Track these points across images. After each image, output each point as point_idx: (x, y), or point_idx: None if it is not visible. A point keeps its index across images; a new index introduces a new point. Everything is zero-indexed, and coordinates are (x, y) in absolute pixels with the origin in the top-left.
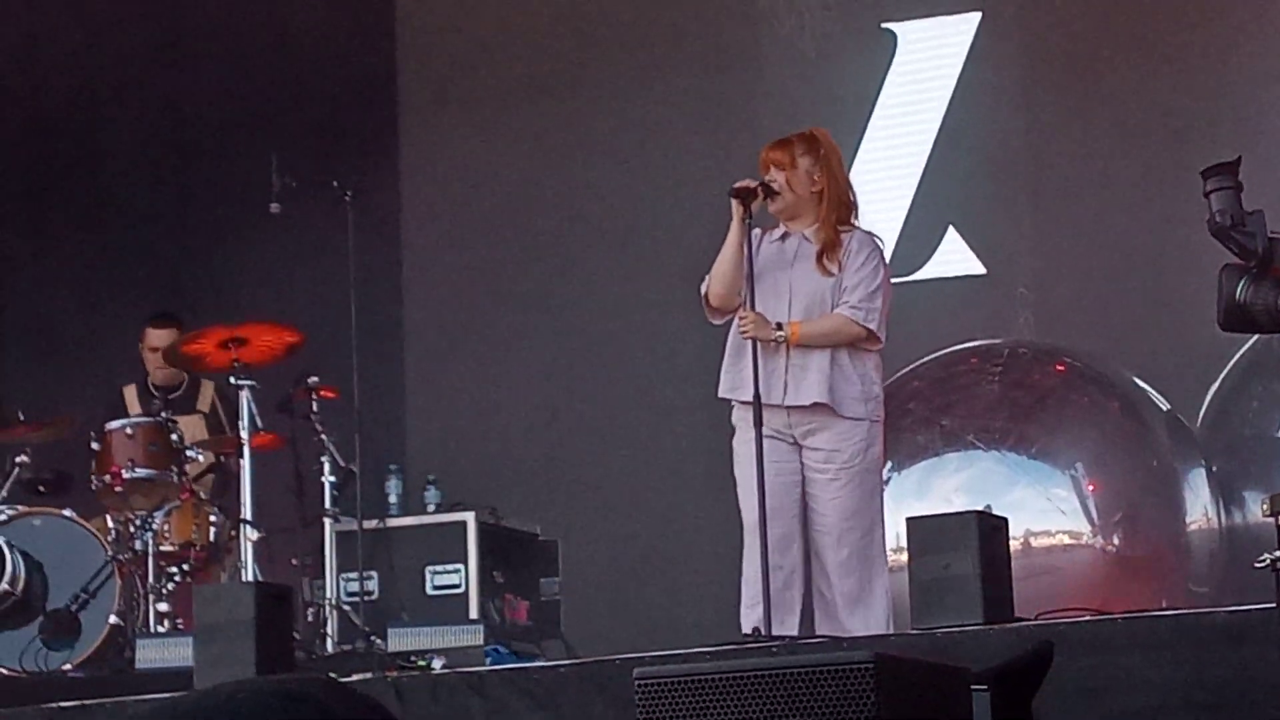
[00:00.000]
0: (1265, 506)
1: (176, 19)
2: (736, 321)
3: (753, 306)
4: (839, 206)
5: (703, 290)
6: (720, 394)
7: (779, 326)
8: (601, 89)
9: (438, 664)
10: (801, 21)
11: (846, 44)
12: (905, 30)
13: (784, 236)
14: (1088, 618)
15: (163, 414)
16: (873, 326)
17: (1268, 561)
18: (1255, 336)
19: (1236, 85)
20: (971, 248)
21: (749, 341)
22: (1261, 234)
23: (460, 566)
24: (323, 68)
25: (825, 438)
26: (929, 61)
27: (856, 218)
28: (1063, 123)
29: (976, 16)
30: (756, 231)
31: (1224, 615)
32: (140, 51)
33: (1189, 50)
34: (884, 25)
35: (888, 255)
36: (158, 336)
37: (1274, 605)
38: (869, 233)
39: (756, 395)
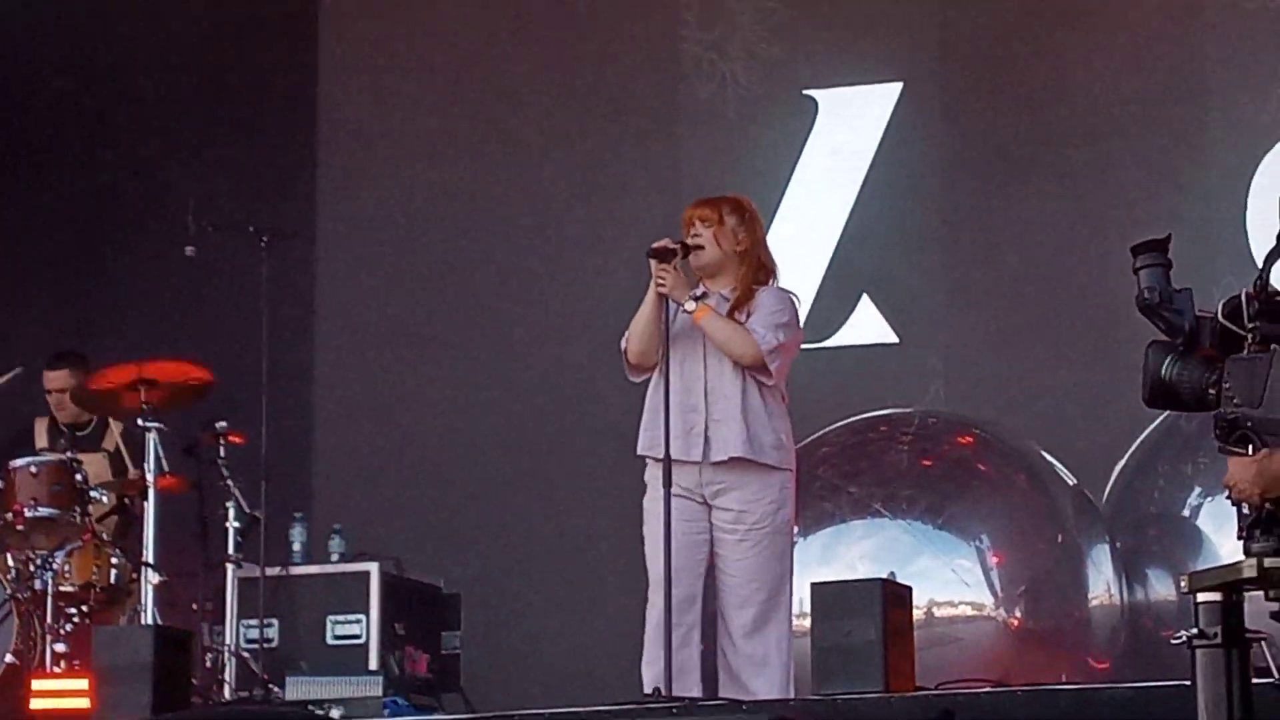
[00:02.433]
0: (1184, 583)
1: (96, 55)
2: (655, 278)
3: (667, 365)
4: (759, 269)
5: (623, 347)
6: (639, 451)
7: (696, 299)
8: (521, 144)
9: (336, 714)
10: (724, 85)
11: (768, 109)
12: (826, 98)
13: (703, 295)
14: (988, 689)
15: (68, 454)
16: (766, 350)
17: (1184, 638)
18: (1164, 415)
19: (1156, 161)
20: (885, 316)
21: (663, 401)
22: (1189, 312)
23: (362, 617)
24: (243, 111)
25: (735, 497)
26: (849, 130)
27: (775, 281)
28: (979, 194)
29: (898, 87)
30: None
31: (1127, 691)
32: (59, 86)
33: (1109, 126)
34: (806, 92)
35: (801, 319)
36: (53, 379)
37: (1187, 682)
38: (784, 289)
39: (667, 454)
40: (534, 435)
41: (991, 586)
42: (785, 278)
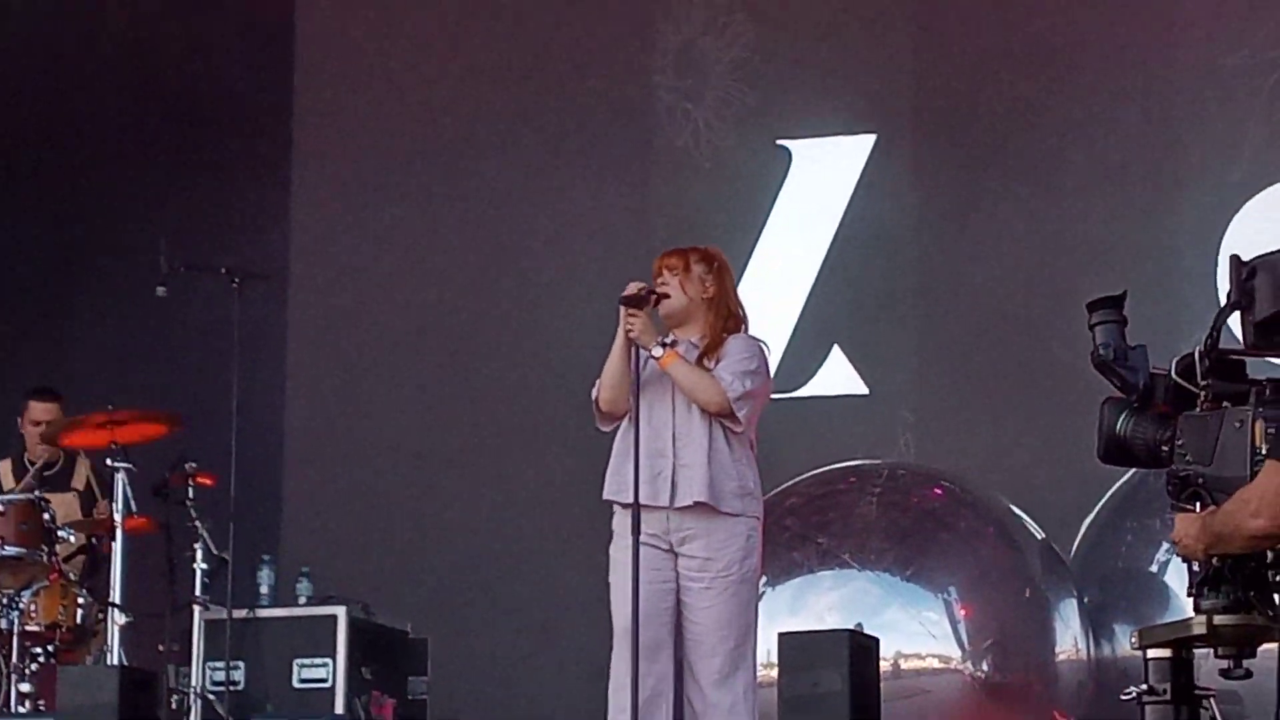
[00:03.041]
0: (1134, 640)
1: (69, 92)
2: (623, 322)
3: (637, 411)
4: (727, 317)
5: (594, 396)
6: (605, 496)
7: (664, 345)
8: (494, 189)
9: None
10: (697, 133)
11: (741, 158)
12: (800, 148)
13: (672, 343)
14: None
15: (36, 493)
16: (733, 396)
17: (1134, 694)
18: (1132, 471)
19: (1128, 217)
20: (855, 368)
21: (631, 446)
22: (1144, 369)
23: (329, 660)
24: (217, 151)
25: (702, 545)
26: (822, 180)
27: (745, 328)
28: (952, 247)
29: (871, 138)
30: None
31: None
32: (30, 123)
33: (1082, 182)
34: (779, 142)
35: (771, 369)
36: (40, 410)
37: None
38: (754, 337)
39: (636, 499)
40: (504, 481)
41: (959, 639)
42: (757, 327)
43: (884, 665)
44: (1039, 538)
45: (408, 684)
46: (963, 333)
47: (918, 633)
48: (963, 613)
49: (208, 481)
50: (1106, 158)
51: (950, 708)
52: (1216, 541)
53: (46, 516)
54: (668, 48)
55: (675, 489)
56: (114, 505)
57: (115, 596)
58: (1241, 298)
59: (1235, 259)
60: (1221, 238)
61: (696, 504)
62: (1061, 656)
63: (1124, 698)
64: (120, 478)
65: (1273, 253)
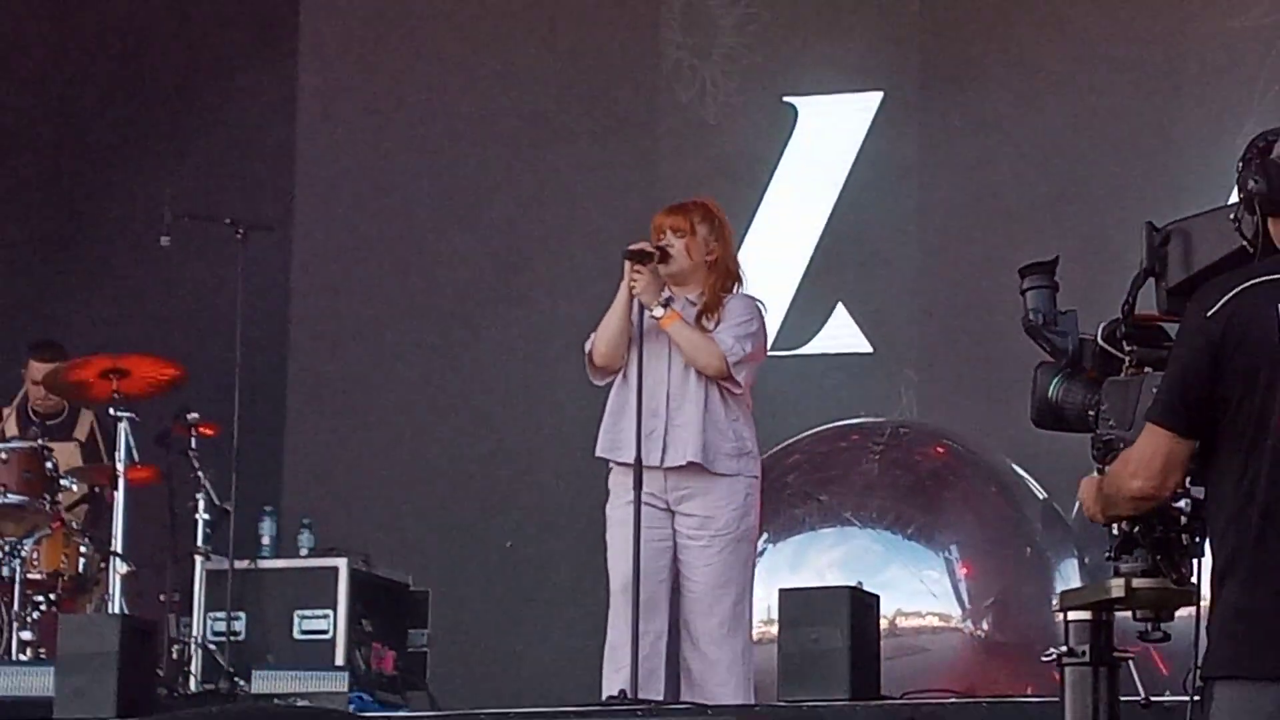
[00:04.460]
0: (1056, 603)
1: (73, 43)
2: (627, 277)
3: (640, 368)
4: (726, 275)
5: (587, 349)
6: (598, 453)
7: (665, 304)
8: (499, 143)
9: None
10: (703, 89)
11: (747, 115)
12: (806, 105)
13: (669, 300)
14: (953, 699)
15: (39, 441)
16: (733, 360)
17: (1054, 656)
18: None
19: (1131, 179)
20: (859, 325)
21: (630, 403)
22: (1073, 334)
23: (329, 612)
24: (221, 103)
25: (699, 504)
26: (828, 138)
27: (741, 288)
28: (956, 206)
29: (878, 96)
30: None
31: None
32: (34, 73)
33: (1088, 141)
34: (785, 99)
35: (775, 326)
36: (39, 369)
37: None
38: (751, 297)
39: (638, 458)
40: (505, 434)
41: (959, 598)
42: (760, 285)
43: (884, 623)
44: (1041, 497)
45: (408, 636)
46: (966, 291)
47: (918, 591)
48: (963, 571)
49: (210, 432)
50: (1112, 118)
51: (950, 666)
52: (1108, 504)
53: (49, 465)
54: (674, 4)
55: (666, 449)
56: (116, 454)
57: (117, 546)
58: (1155, 264)
59: (1149, 225)
60: (1228, 201)
61: (691, 464)
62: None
63: (1044, 659)
64: (123, 427)
65: (1185, 219)
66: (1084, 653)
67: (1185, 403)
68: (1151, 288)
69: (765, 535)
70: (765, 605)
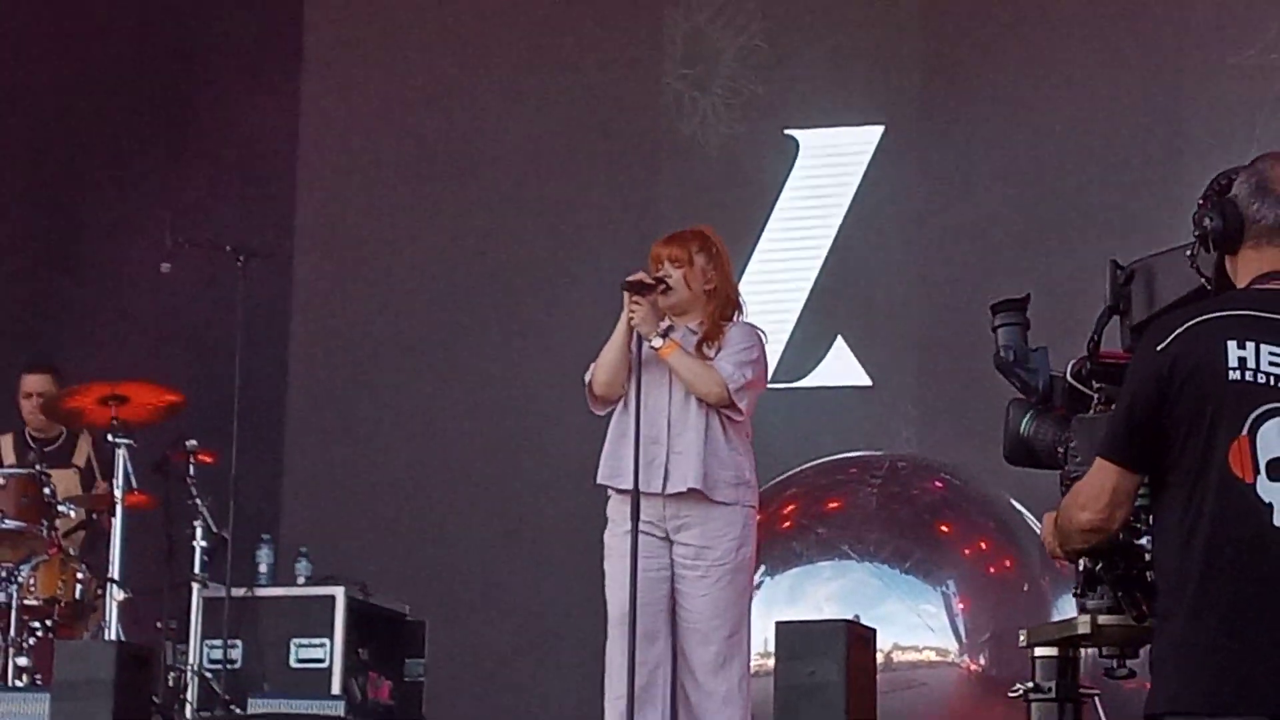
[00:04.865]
0: (1023, 638)
1: (74, 67)
2: (626, 308)
3: (638, 397)
4: (726, 304)
5: (587, 379)
6: (599, 480)
7: (665, 333)
8: (500, 173)
9: None
10: (705, 121)
11: (749, 147)
12: (808, 138)
13: (669, 329)
14: None
15: (37, 466)
16: (734, 388)
17: (1021, 691)
18: None
19: (1133, 213)
20: (858, 359)
21: (629, 430)
22: (1044, 371)
23: (326, 641)
24: (222, 129)
25: (697, 533)
26: (829, 170)
27: (742, 316)
28: (956, 240)
29: (879, 129)
30: None
31: None
32: (34, 96)
33: (1088, 176)
34: (787, 131)
35: (774, 359)
36: (32, 382)
37: None
38: (751, 325)
39: (635, 486)
40: (502, 464)
41: (956, 633)
42: (761, 317)
43: (881, 657)
44: (1038, 532)
45: (405, 666)
46: (966, 326)
47: (915, 625)
48: (961, 606)
49: (208, 459)
50: (1116, 153)
51: (946, 701)
52: (1063, 537)
53: (47, 491)
54: (675, 35)
55: (668, 476)
56: (114, 481)
57: (114, 572)
58: (1119, 302)
59: (1113, 263)
60: None
61: (691, 491)
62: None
63: (1011, 695)
64: (121, 453)
65: (1147, 257)
66: (1050, 689)
67: (1132, 436)
68: (1117, 325)
69: (763, 568)
70: (762, 638)
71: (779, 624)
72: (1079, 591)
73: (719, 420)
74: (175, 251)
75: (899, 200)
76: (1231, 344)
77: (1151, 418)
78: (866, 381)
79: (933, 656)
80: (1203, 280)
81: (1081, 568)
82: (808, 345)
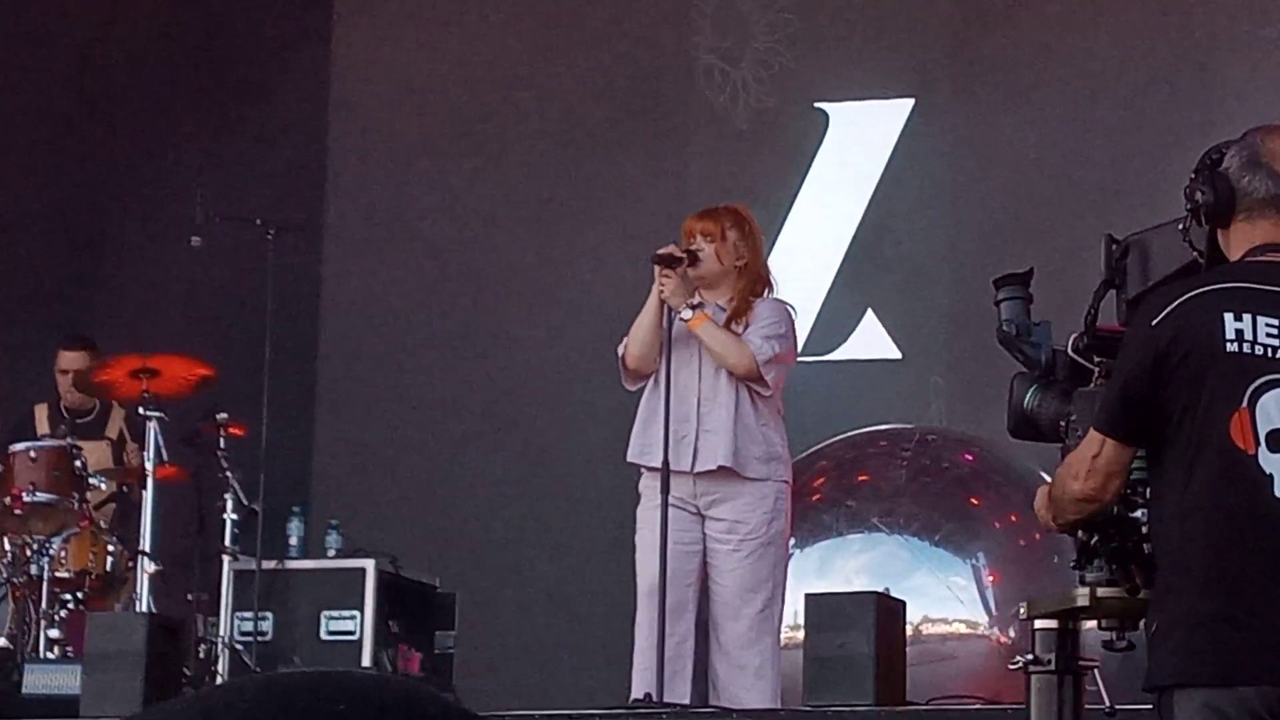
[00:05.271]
0: (1023, 610)
1: (107, 43)
2: (656, 281)
3: (668, 372)
4: (756, 281)
5: (620, 353)
6: (629, 458)
7: (693, 307)
8: (530, 146)
9: None
10: (735, 94)
11: (779, 120)
12: (838, 111)
13: (699, 305)
14: (979, 706)
15: (68, 439)
16: (762, 360)
17: (1021, 664)
18: None
19: (1164, 184)
20: (889, 332)
21: (660, 408)
22: (1046, 345)
23: (356, 613)
24: (253, 103)
25: (729, 508)
26: (859, 144)
27: (772, 293)
28: (986, 213)
29: (909, 103)
30: None
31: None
32: (67, 72)
33: (1120, 147)
34: (817, 104)
35: (804, 332)
36: (68, 359)
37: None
38: (781, 300)
39: (665, 462)
40: (533, 437)
41: (986, 605)
42: (791, 290)
43: (910, 630)
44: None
45: (435, 638)
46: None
47: (945, 598)
48: (991, 579)
49: (239, 432)
50: (1150, 124)
51: (976, 673)
52: (1057, 509)
53: (78, 463)
54: (706, 7)
55: (697, 454)
56: (145, 454)
57: (145, 545)
58: (1115, 276)
59: (1108, 238)
60: None
61: (721, 468)
62: (1089, 624)
63: (1011, 667)
64: (152, 426)
65: (1143, 231)
66: (1050, 661)
67: (1128, 410)
68: (1114, 299)
69: (792, 540)
70: (792, 610)
71: (808, 596)
72: (1076, 564)
73: (748, 396)
74: (206, 225)
75: (929, 173)
76: (1228, 316)
77: (1147, 393)
78: (896, 354)
79: (962, 629)
80: (1195, 254)
81: (1078, 541)
82: (838, 318)
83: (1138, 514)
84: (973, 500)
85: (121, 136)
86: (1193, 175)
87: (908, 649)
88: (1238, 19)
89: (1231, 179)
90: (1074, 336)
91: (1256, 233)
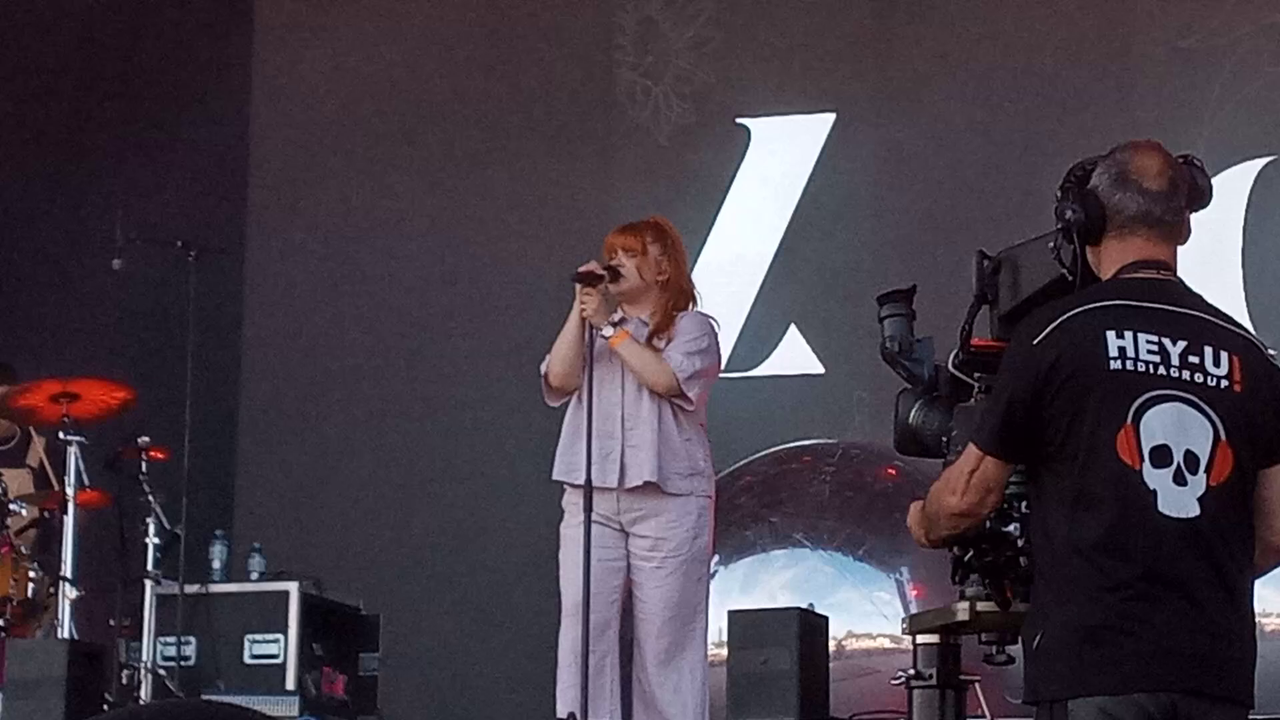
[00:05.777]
0: (904, 626)
1: (25, 64)
2: (577, 300)
3: (590, 389)
4: (679, 295)
5: (543, 370)
6: (554, 477)
7: (615, 324)
8: (451, 165)
9: None
10: (657, 110)
11: (700, 136)
12: (759, 126)
13: (621, 321)
14: None
15: None
16: (683, 377)
17: (903, 679)
18: None
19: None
20: (811, 347)
21: (583, 426)
22: (929, 361)
23: (280, 636)
24: (174, 125)
25: (653, 525)
26: (781, 159)
27: (696, 307)
28: (909, 227)
29: (831, 117)
30: None
31: None
32: None
33: (1039, 162)
34: (739, 120)
35: (728, 348)
36: None
37: None
38: (704, 314)
39: (588, 480)
40: (458, 457)
41: None
42: (714, 306)
43: (834, 644)
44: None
45: (359, 660)
46: (919, 311)
47: (869, 613)
48: (914, 593)
49: (161, 456)
50: (1066, 136)
51: (900, 688)
52: (930, 524)
53: None
54: (627, 25)
55: (624, 470)
56: (66, 478)
57: (66, 570)
58: (986, 291)
59: (980, 254)
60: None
61: (646, 484)
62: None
63: (893, 682)
64: (72, 451)
65: (1014, 246)
66: (931, 675)
67: (1010, 428)
68: (986, 314)
69: (717, 557)
70: (716, 627)
71: (731, 613)
72: (955, 579)
73: (671, 411)
74: (127, 247)
75: (850, 188)
76: (1110, 334)
77: (1029, 412)
78: (820, 369)
79: (886, 644)
80: (1063, 271)
81: (952, 556)
82: (761, 334)
83: (1011, 528)
84: (896, 514)
85: (39, 157)
86: (1059, 193)
87: (831, 664)
88: (1155, 31)
89: (1101, 197)
90: (953, 352)
91: (1129, 249)
